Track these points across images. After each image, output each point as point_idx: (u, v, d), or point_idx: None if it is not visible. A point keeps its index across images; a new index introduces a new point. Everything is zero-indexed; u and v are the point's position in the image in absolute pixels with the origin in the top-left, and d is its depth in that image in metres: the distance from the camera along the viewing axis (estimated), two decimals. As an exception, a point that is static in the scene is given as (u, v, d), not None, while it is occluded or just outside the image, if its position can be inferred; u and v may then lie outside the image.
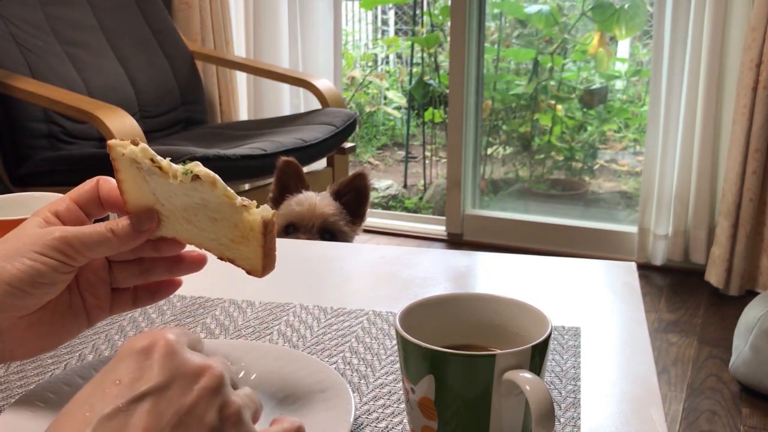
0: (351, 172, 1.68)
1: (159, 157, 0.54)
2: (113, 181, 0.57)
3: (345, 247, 1.12)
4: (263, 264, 0.56)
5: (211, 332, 0.78)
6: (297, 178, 1.45)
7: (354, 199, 1.43)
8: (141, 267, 0.60)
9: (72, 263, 0.55)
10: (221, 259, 0.57)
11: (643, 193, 2.84)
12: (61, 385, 0.63)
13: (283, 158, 1.47)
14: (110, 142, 0.54)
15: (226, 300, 0.85)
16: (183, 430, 0.41)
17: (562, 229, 3.11)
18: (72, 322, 0.59)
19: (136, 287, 0.62)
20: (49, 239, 0.53)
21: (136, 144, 0.54)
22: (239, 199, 0.54)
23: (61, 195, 0.85)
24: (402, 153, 4.36)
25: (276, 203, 1.46)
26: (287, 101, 3.28)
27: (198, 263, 0.61)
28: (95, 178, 0.59)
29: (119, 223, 0.56)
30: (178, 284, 0.63)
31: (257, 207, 0.54)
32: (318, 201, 1.41)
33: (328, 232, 1.40)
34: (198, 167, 0.53)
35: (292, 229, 1.40)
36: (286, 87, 3.23)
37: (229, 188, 0.54)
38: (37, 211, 0.57)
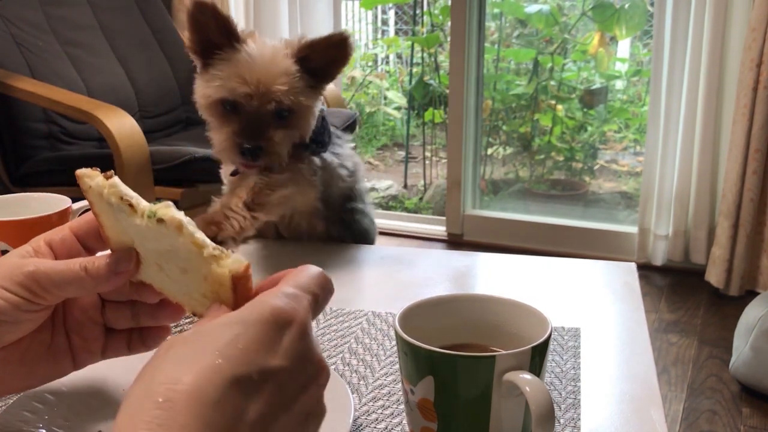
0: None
1: (131, 193, 0.48)
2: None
3: (345, 247, 1.12)
4: None
5: (211, 333, 0.78)
6: (220, 29, 0.97)
7: (324, 63, 1.01)
8: (132, 309, 0.55)
9: (39, 301, 0.50)
10: (194, 314, 0.50)
11: (644, 194, 2.84)
12: (60, 386, 0.63)
13: (192, 1, 0.97)
14: (78, 172, 0.49)
15: (226, 300, 0.85)
16: (291, 417, 0.41)
17: (562, 230, 3.10)
18: (52, 365, 0.54)
19: (131, 331, 0.57)
20: (18, 273, 0.49)
21: (108, 177, 0.49)
22: (210, 248, 0.46)
23: (61, 196, 0.85)
24: (402, 153, 4.36)
25: (202, 58, 1.00)
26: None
27: (176, 314, 0.56)
28: None
29: (95, 262, 0.50)
30: (166, 332, 0.57)
31: (229, 257, 0.46)
32: (267, 71, 0.97)
33: (284, 111, 0.99)
34: (165, 209, 0.46)
35: (232, 107, 0.99)
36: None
37: (199, 234, 0.46)
38: (34, 238, 0.53)
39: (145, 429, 0.34)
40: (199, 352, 0.38)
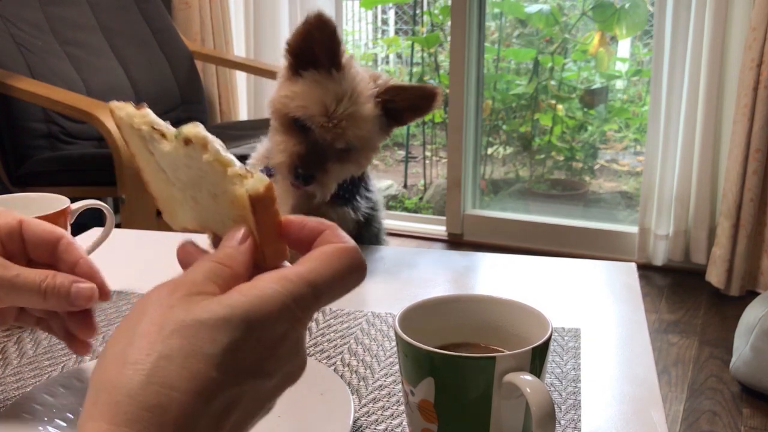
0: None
1: (161, 122, 0.45)
2: (40, 223, 0.54)
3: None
4: (264, 252, 0.43)
5: (210, 333, 0.78)
6: (328, 49, 0.96)
7: (405, 107, 1.00)
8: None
9: None
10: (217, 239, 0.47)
11: (644, 193, 2.84)
12: (58, 387, 0.63)
13: (320, 13, 0.95)
14: (111, 104, 0.47)
15: (225, 301, 0.85)
16: (257, 413, 0.40)
17: (562, 229, 3.10)
18: None
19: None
20: None
21: (140, 108, 0.46)
22: (236, 167, 0.42)
23: (60, 196, 0.85)
24: (402, 153, 4.36)
25: (295, 59, 0.99)
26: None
27: (88, 331, 0.55)
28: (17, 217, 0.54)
29: (57, 281, 0.51)
30: (85, 350, 0.56)
31: (252, 177, 0.42)
32: (347, 110, 0.96)
33: (349, 147, 0.98)
34: (191, 128, 0.43)
35: (302, 128, 0.98)
36: (286, 87, 3.22)
37: (225, 153, 0.43)
38: None
39: (136, 420, 0.34)
40: (195, 350, 0.35)
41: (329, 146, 0.97)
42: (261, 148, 1.05)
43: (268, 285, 0.38)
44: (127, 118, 0.46)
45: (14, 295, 0.51)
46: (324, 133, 0.97)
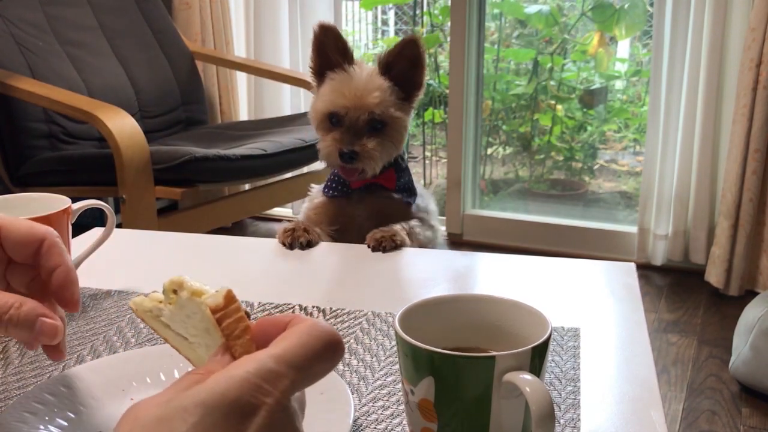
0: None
1: (160, 296, 0.47)
2: (20, 225, 0.52)
3: (344, 247, 1.12)
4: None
5: (211, 333, 0.78)
6: (337, 49, 1.19)
7: (406, 68, 1.18)
8: (31, 281, 0.53)
9: None
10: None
11: (643, 193, 2.84)
12: (59, 386, 0.63)
13: (321, 23, 1.20)
14: (130, 302, 0.48)
15: (226, 301, 0.85)
16: None
17: (562, 229, 3.10)
18: None
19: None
20: None
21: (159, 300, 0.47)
22: (208, 292, 0.43)
23: (60, 196, 0.85)
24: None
25: (318, 77, 1.23)
26: (288, 101, 3.28)
27: (72, 305, 0.53)
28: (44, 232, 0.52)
29: (22, 312, 0.48)
30: (58, 356, 0.53)
31: (217, 292, 0.43)
32: (363, 86, 1.16)
33: (378, 122, 1.18)
34: (169, 279, 0.45)
35: (336, 119, 1.19)
36: (286, 87, 3.23)
37: (197, 284, 0.44)
38: None
39: None
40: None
41: (362, 125, 1.17)
42: (305, 206, 1.26)
43: (231, 368, 0.37)
44: (139, 308, 0.47)
45: None
46: (353, 115, 1.17)
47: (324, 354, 0.39)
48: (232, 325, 0.42)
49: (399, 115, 1.19)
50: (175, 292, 0.44)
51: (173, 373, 0.67)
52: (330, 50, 1.20)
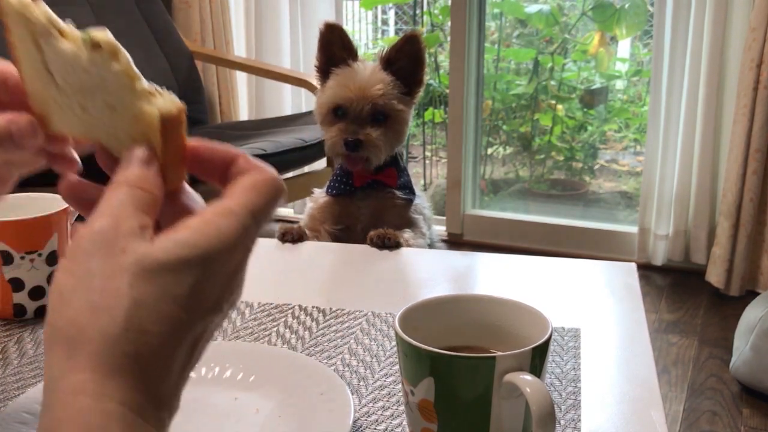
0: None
1: (61, 21, 0.42)
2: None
3: (344, 247, 1.12)
4: (166, 175, 0.40)
5: (210, 333, 0.78)
6: (343, 46, 1.25)
7: (407, 65, 1.24)
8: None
9: None
10: (114, 159, 0.43)
11: (644, 193, 2.84)
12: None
13: (326, 22, 1.27)
14: None
15: (225, 301, 0.85)
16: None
17: (562, 229, 3.10)
18: None
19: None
20: None
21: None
22: (144, 83, 0.40)
23: (59, 195, 0.85)
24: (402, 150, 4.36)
25: (323, 75, 1.28)
26: (288, 101, 3.28)
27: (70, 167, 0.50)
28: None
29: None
30: (68, 165, 0.50)
31: (163, 96, 0.40)
32: (366, 79, 1.22)
33: (380, 114, 1.23)
34: (100, 33, 0.40)
35: (341, 112, 1.25)
36: (287, 87, 3.22)
37: (135, 67, 0.41)
38: None
39: (118, 368, 0.33)
40: (163, 294, 0.35)
41: (365, 116, 1.22)
42: (307, 212, 1.27)
43: (220, 221, 0.37)
44: (19, 6, 0.41)
45: None
46: (357, 106, 1.22)
47: (276, 207, 0.41)
48: (173, 141, 0.40)
49: (401, 108, 1.24)
50: (95, 47, 0.40)
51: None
52: (336, 48, 1.25)
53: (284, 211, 3.41)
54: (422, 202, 1.31)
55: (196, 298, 0.36)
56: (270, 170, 0.41)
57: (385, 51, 1.25)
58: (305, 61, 3.24)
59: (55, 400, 0.33)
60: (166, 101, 0.40)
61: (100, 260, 0.35)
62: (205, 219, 0.37)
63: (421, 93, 1.28)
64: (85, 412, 0.32)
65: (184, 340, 0.36)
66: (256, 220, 0.39)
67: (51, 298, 0.36)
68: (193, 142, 0.41)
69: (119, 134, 0.42)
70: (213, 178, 0.42)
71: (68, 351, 0.34)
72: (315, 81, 1.34)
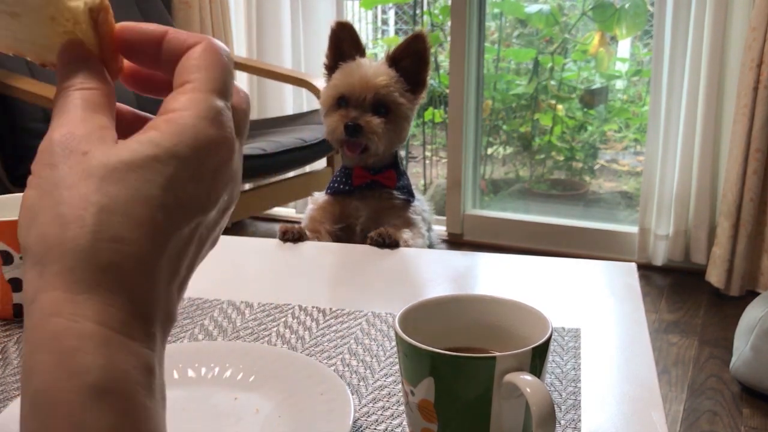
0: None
1: None
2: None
3: (344, 247, 1.12)
4: (106, 68, 0.38)
5: (209, 334, 0.78)
6: (352, 43, 1.29)
7: (413, 64, 1.27)
8: None
9: None
10: (42, 65, 0.40)
11: (644, 193, 2.84)
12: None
13: (338, 20, 1.32)
14: None
15: (224, 301, 0.85)
16: (209, 246, 0.37)
17: (562, 229, 3.10)
18: None
19: None
20: None
21: None
22: None
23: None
24: (402, 153, 4.35)
25: (330, 72, 1.32)
26: (290, 101, 3.28)
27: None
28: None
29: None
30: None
31: None
32: (371, 71, 1.25)
33: (382, 105, 1.25)
34: None
35: (344, 102, 1.27)
36: (288, 87, 3.23)
37: None
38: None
39: (93, 283, 0.31)
40: (132, 195, 0.32)
41: (367, 105, 1.24)
42: (307, 212, 1.28)
43: (184, 114, 0.34)
44: None
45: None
46: (360, 95, 1.24)
47: (232, 68, 0.38)
48: (105, 31, 0.37)
49: (403, 102, 1.25)
50: None
51: (173, 373, 0.67)
52: (345, 45, 1.29)
53: (285, 211, 3.41)
54: (421, 204, 1.32)
55: (173, 198, 0.33)
56: (202, 36, 0.37)
57: (391, 50, 1.28)
58: (306, 61, 3.24)
59: (31, 325, 0.31)
60: None
61: (64, 168, 0.32)
62: (168, 117, 0.34)
63: (424, 94, 1.30)
64: (60, 335, 0.30)
65: (167, 244, 0.33)
66: (224, 99, 0.36)
67: (20, 215, 0.33)
68: (119, 26, 0.38)
69: (35, 39, 0.38)
70: (147, 61, 0.38)
71: (40, 270, 0.31)
72: (317, 81, 1.36)
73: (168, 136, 0.33)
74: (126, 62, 0.40)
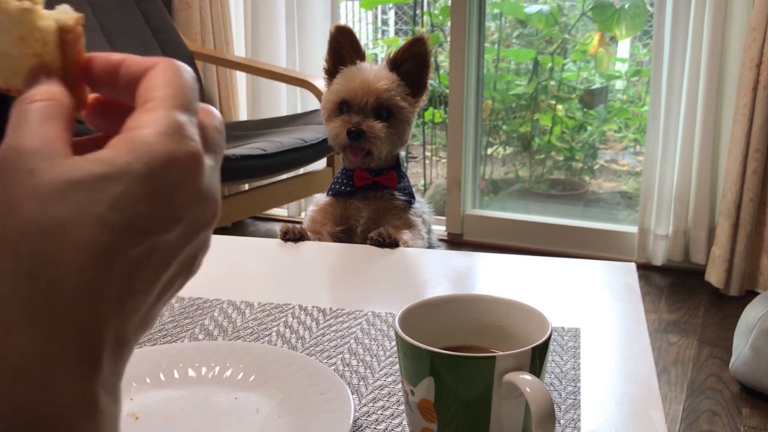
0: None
1: None
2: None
3: (344, 247, 1.12)
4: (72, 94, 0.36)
5: (210, 334, 0.78)
6: (352, 47, 1.29)
7: (414, 67, 1.27)
8: None
9: None
10: (8, 92, 0.38)
11: (644, 193, 2.84)
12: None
13: (337, 24, 1.31)
14: None
15: (225, 301, 0.85)
16: (173, 270, 0.35)
17: (562, 229, 3.10)
18: None
19: None
20: None
21: None
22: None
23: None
24: (402, 153, 4.35)
25: (330, 76, 1.32)
26: (285, 101, 3.28)
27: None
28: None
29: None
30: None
31: (58, 8, 0.36)
32: (372, 75, 1.26)
33: (383, 109, 1.26)
34: None
35: (346, 107, 1.27)
36: (283, 87, 3.22)
37: None
38: None
39: (30, 313, 0.29)
40: (75, 215, 0.30)
41: (369, 110, 1.25)
42: (309, 214, 1.29)
43: (140, 131, 0.32)
44: None
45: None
46: (362, 99, 1.25)
47: (194, 83, 0.36)
48: (72, 57, 0.36)
49: (405, 105, 1.26)
50: None
51: (173, 373, 0.67)
52: (345, 49, 1.29)
53: (282, 211, 3.41)
54: (422, 206, 1.32)
55: (120, 217, 0.31)
56: (162, 58, 0.36)
57: (392, 53, 1.28)
58: (302, 62, 3.24)
59: None
60: (61, 12, 0.36)
61: (9, 187, 0.31)
62: (126, 135, 0.33)
63: (425, 97, 1.29)
64: None
65: (111, 266, 0.31)
66: (186, 113, 0.34)
67: None
68: (87, 56, 0.37)
69: (9, 63, 0.36)
70: (107, 87, 0.37)
71: None
72: (317, 82, 1.34)
73: (123, 154, 0.32)
74: (92, 95, 0.39)
